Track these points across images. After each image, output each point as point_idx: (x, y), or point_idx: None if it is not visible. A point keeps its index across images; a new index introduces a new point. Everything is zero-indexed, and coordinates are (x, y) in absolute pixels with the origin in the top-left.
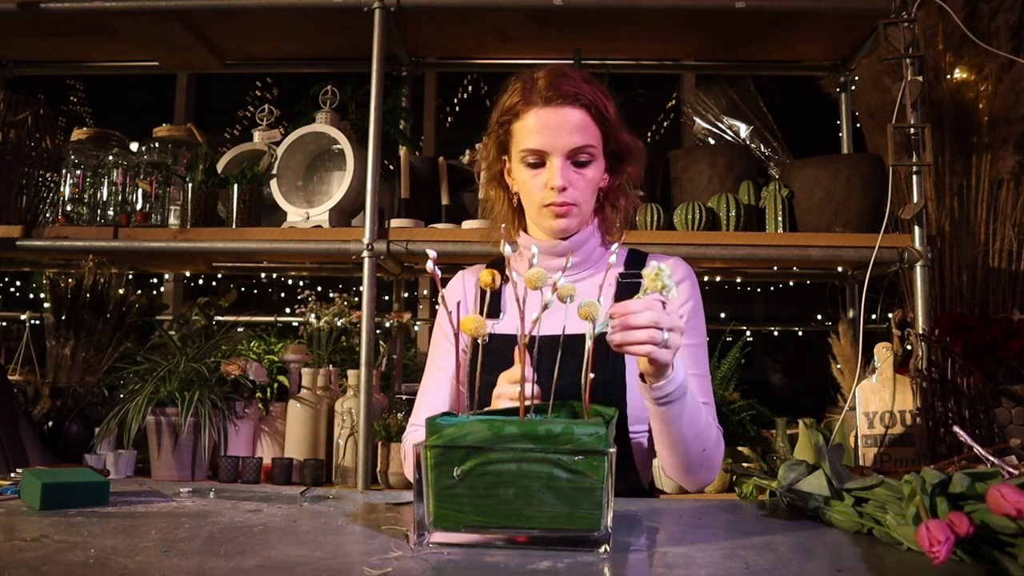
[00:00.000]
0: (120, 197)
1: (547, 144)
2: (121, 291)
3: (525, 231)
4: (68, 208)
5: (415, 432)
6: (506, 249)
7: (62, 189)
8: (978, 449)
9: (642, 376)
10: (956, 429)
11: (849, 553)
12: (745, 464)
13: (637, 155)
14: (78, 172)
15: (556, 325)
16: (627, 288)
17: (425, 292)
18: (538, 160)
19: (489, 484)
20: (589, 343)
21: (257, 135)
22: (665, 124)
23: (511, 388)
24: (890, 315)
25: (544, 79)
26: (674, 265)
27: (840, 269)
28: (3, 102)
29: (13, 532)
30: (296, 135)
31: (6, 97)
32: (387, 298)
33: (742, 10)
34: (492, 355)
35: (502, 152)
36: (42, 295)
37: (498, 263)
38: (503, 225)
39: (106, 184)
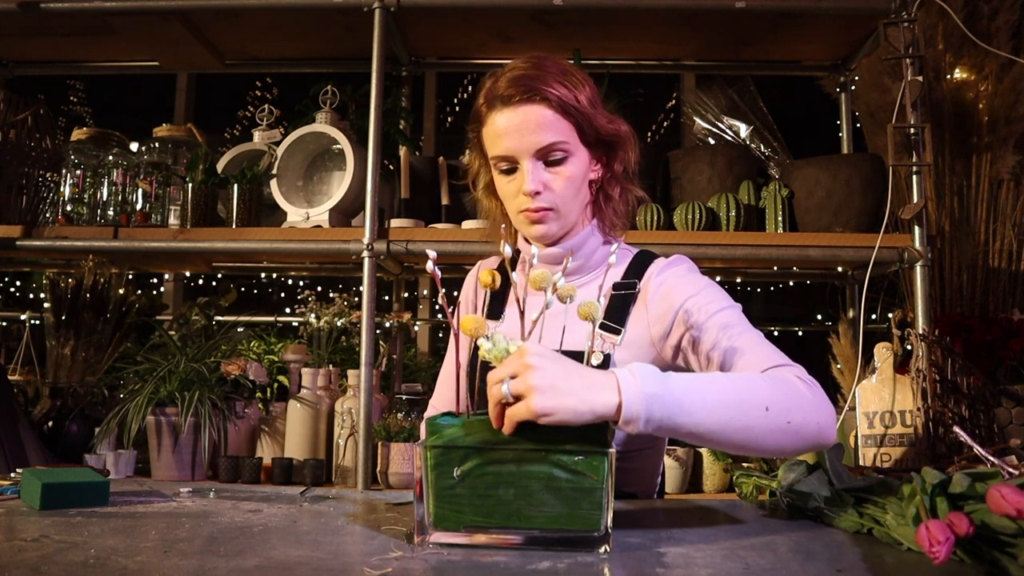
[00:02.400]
0: (120, 197)
1: (512, 148)
2: (121, 291)
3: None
4: (68, 208)
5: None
6: (506, 249)
7: (62, 189)
8: (978, 449)
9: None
10: (956, 429)
11: (849, 553)
12: (745, 464)
13: (624, 139)
14: (78, 172)
15: (556, 328)
16: (620, 300)
17: (425, 292)
18: (510, 165)
19: (489, 484)
20: (589, 343)
21: (257, 135)
22: (665, 124)
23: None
24: (890, 315)
25: (504, 77)
26: (676, 259)
27: (840, 269)
28: (3, 102)
29: (13, 532)
30: (296, 135)
31: (6, 97)
32: (387, 298)
33: (742, 10)
34: None
35: (487, 159)
36: (42, 295)
37: (511, 261)
38: (503, 226)
39: (106, 184)
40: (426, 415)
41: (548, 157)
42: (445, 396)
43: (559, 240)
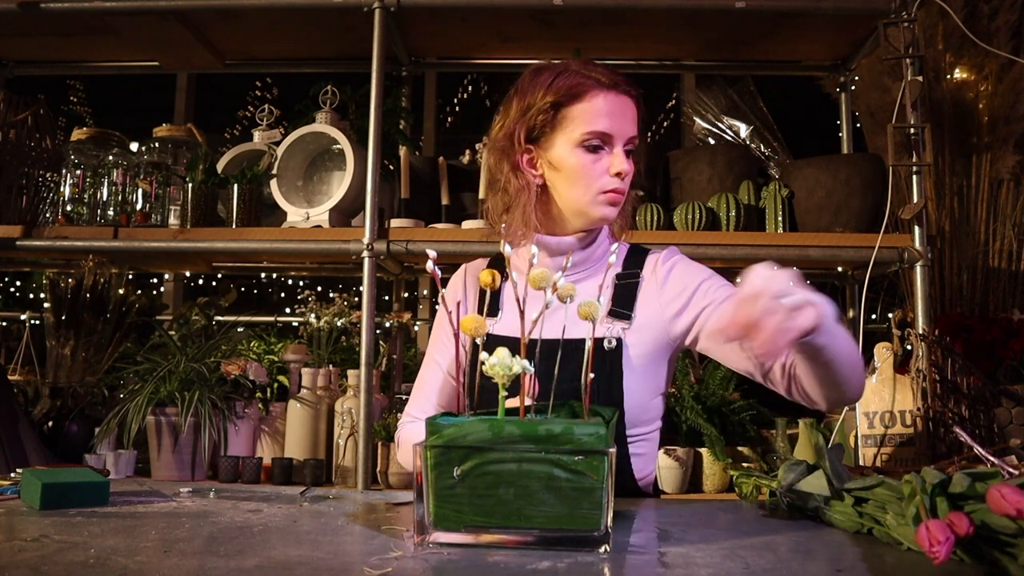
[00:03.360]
0: (120, 197)
1: (614, 128)
2: (121, 291)
3: (538, 227)
4: (68, 208)
5: (410, 424)
6: (506, 249)
7: (62, 189)
8: (978, 449)
9: None
10: (956, 429)
11: (849, 553)
12: (745, 464)
13: (642, 154)
14: (78, 172)
15: (556, 325)
16: (626, 288)
17: (425, 292)
18: (600, 144)
19: (489, 484)
20: (589, 343)
21: (257, 135)
22: (665, 124)
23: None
24: (890, 315)
25: (598, 67)
26: (668, 252)
27: (840, 269)
28: (3, 102)
29: (13, 532)
30: (296, 135)
31: (6, 97)
32: (387, 298)
33: (742, 10)
34: None
35: (529, 140)
36: (42, 295)
37: (499, 262)
38: (502, 226)
39: (106, 184)
40: (400, 423)
41: (629, 147)
42: (423, 406)
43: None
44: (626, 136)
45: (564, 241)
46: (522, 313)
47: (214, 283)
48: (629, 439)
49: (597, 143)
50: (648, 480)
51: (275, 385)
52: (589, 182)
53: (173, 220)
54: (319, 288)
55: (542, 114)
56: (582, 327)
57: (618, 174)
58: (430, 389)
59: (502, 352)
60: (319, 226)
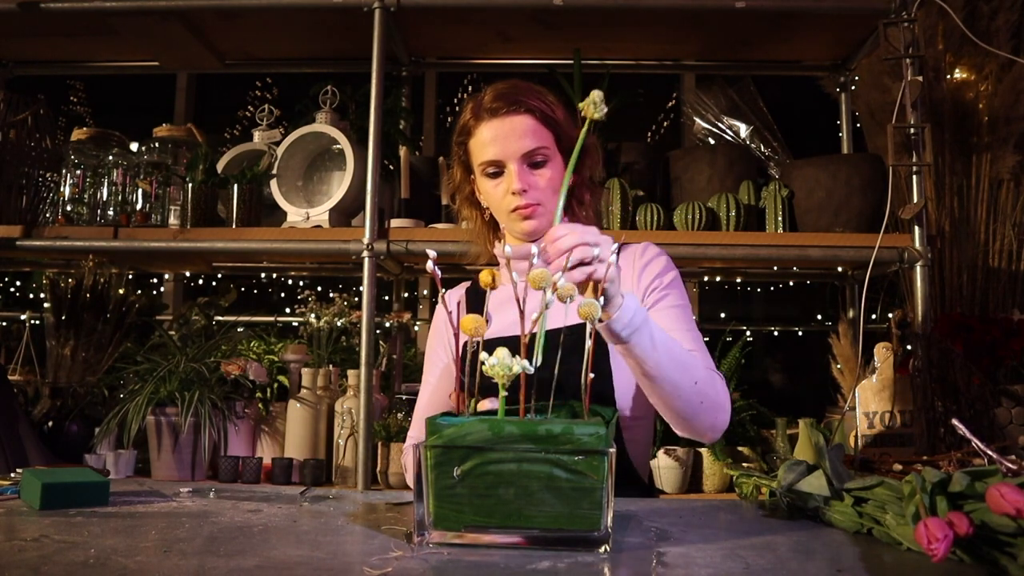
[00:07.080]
0: (120, 197)
1: (500, 152)
2: (121, 291)
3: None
4: (68, 208)
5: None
6: (506, 249)
7: (62, 189)
8: (976, 443)
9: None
10: (955, 421)
11: (849, 553)
12: (745, 464)
13: (591, 149)
14: (78, 172)
15: (555, 322)
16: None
17: (425, 292)
18: (497, 169)
19: (489, 484)
20: (588, 343)
21: (257, 135)
22: (665, 124)
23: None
24: (890, 315)
25: (489, 94)
26: (645, 247)
27: (840, 269)
28: (3, 102)
29: (13, 532)
30: (296, 135)
31: (6, 97)
32: (387, 298)
33: (742, 10)
34: None
35: (468, 172)
36: (42, 295)
37: (475, 286)
38: (500, 225)
39: (106, 184)
40: (404, 448)
41: (532, 160)
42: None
43: (537, 238)
44: (517, 154)
45: (523, 248)
46: (522, 313)
47: (214, 283)
48: (623, 424)
49: (493, 170)
50: (644, 468)
51: (275, 385)
52: (498, 204)
53: (173, 220)
54: (319, 288)
55: (459, 151)
56: (563, 319)
57: (515, 192)
58: (432, 410)
59: (502, 352)
60: (319, 226)
